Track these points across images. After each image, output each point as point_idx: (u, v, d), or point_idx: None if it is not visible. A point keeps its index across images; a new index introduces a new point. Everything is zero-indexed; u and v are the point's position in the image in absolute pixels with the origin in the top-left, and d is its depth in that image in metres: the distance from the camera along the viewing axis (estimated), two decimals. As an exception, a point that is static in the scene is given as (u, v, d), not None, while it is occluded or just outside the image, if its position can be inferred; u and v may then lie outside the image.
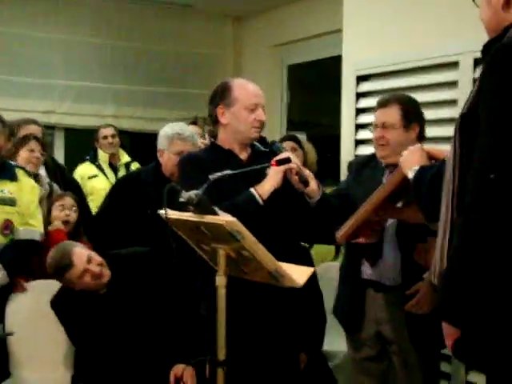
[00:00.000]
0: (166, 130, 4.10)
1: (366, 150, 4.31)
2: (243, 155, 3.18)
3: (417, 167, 2.46)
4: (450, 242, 1.98)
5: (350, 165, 3.61)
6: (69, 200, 4.28)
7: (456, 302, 1.86)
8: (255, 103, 3.08)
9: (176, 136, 4.02)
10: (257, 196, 2.91)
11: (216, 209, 2.39)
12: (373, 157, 3.41)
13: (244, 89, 3.11)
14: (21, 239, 3.87)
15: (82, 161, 5.97)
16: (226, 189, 2.89)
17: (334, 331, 3.80)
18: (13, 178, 3.91)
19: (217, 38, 7.50)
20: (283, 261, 2.43)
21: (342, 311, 3.44)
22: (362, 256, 3.26)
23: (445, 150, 2.63)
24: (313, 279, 3.82)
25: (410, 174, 2.47)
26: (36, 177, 4.40)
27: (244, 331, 2.93)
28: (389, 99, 3.28)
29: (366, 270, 3.27)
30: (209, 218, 2.35)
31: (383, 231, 3.16)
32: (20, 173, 3.99)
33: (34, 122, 4.94)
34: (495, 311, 1.82)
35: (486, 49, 2.03)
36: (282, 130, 7.04)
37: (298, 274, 2.39)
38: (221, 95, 3.13)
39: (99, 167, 5.83)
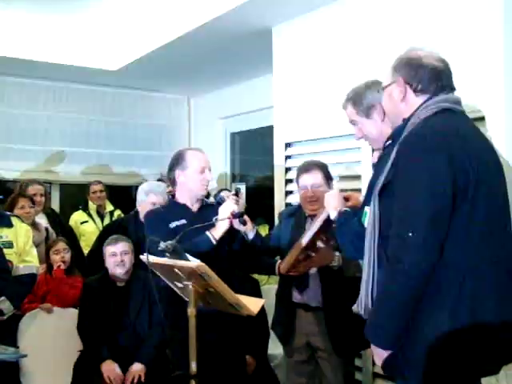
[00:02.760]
0: (144, 187, 4.14)
1: (294, 199, 4.28)
2: (194, 207, 3.13)
3: (337, 210, 2.39)
4: (372, 282, 1.92)
5: (280, 214, 3.55)
6: (62, 244, 4.12)
7: (382, 331, 1.80)
8: (203, 167, 3.06)
9: (151, 191, 4.07)
10: (211, 237, 2.86)
11: (187, 255, 2.28)
12: (297, 209, 3.37)
13: (195, 156, 3.09)
14: (21, 274, 3.66)
15: (76, 209, 5.79)
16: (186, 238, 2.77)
17: (273, 339, 3.69)
18: (9, 224, 3.71)
19: (176, 112, 7.43)
20: (237, 290, 2.39)
21: (279, 327, 3.34)
22: (292, 285, 3.19)
23: (353, 193, 2.67)
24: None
25: (333, 215, 2.39)
26: (34, 225, 4.27)
27: (206, 344, 2.81)
28: (310, 165, 3.25)
29: (296, 296, 3.19)
30: (182, 263, 2.25)
31: (308, 268, 3.10)
32: (15, 220, 3.79)
33: (38, 183, 4.79)
34: (409, 336, 1.80)
35: (395, 135, 2.01)
36: (226, 181, 6.98)
37: (252, 305, 2.30)
38: (176, 162, 3.09)
39: (89, 214, 5.66)
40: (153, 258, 2.35)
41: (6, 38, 5.33)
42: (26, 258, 3.74)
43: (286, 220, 3.36)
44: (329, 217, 2.44)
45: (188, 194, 3.09)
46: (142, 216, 3.94)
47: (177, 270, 2.30)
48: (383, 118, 2.29)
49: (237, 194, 3.38)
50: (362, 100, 2.39)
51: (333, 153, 4.05)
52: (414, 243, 1.72)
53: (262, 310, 3.56)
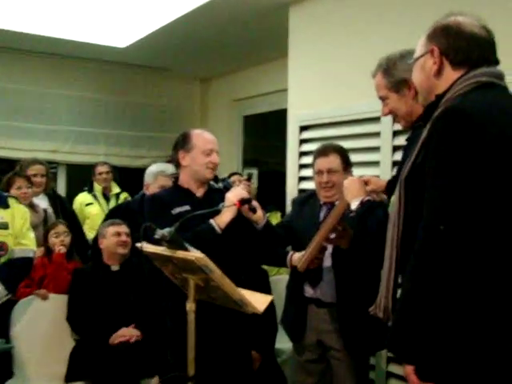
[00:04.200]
0: (152, 168, 3.94)
1: (307, 185, 4.04)
2: (199, 192, 2.88)
3: (358, 199, 2.14)
4: (394, 281, 1.67)
5: (293, 202, 3.27)
6: (61, 227, 3.88)
7: (408, 341, 1.53)
8: (210, 149, 2.81)
9: (160, 173, 3.83)
10: (215, 226, 2.62)
11: (187, 245, 2.04)
12: (311, 195, 3.10)
13: (201, 137, 2.84)
14: (16, 257, 3.50)
15: (81, 191, 5.59)
16: (189, 226, 2.50)
17: (281, 333, 3.45)
18: (6, 205, 3.54)
19: (187, 94, 7.24)
20: (244, 282, 2.23)
21: (289, 323, 3.10)
22: (304, 279, 2.93)
23: (372, 177, 2.47)
24: (268, 292, 3.56)
25: (353, 205, 2.15)
26: (32, 206, 4.06)
27: (209, 339, 2.61)
28: (328, 149, 2.98)
29: (309, 290, 2.94)
30: (180, 254, 2.01)
31: (322, 260, 2.83)
32: (12, 201, 3.61)
33: (39, 163, 4.57)
34: (442, 346, 1.51)
35: (426, 113, 1.71)
36: (238, 166, 6.76)
37: (258, 302, 2.06)
38: (181, 143, 2.86)
39: (95, 196, 5.45)
40: (149, 247, 2.11)
41: (12, 11, 5.13)
42: (22, 241, 3.57)
43: (299, 208, 3.11)
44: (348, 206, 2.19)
45: (192, 177, 2.85)
46: None
47: (175, 261, 2.07)
48: (415, 95, 1.99)
49: (249, 179, 3.16)
50: (392, 71, 2.10)
51: (350, 138, 3.81)
52: (447, 237, 1.46)
53: (271, 302, 3.36)
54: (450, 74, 1.67)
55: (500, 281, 1.48)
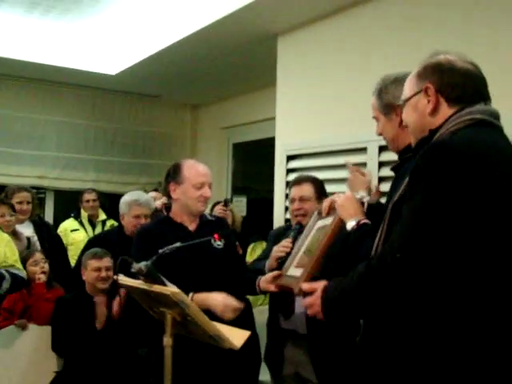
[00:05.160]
0: (126, 198, 3.75)
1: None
2: (192, 226, 2.80)
3: (355, 220, 1.99)
4: None
5: (269, 235, 3.21)
6: (38, 255, 3.79)
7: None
8: (202, 182, 2.72)
9: (133, 202, 3.66)
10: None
11: (164, 279, 2.00)
12: (287, 228, 3.05)
13: (193, 169, 2.75)
14: (13, 272, 3.37)
15: (68, 216, 5.53)
16: (177, 258, 2.45)
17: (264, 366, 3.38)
18: None
19: (178, 121, 7.23)
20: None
21: (267, 355, 3.02)
22: (278, 310, 2.87)
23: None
24: (251, 323, 3.50)
25: (349, 225, 2.00)
26: (15, 234, 3.97)
27: (191, 373, 2.56)
28: (302, 178, 3.03)
29: (282, 322, 2.87)
30: (156, 288, 1.96)
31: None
32: None
33: (25, 190, 4.48)
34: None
35: (417, 148, 1.67)
36: (227, 193, 6.73)
37: (236, 337, 2.00)
38: (173, 174, 2.77)
39: (81, 223, 5.41)
40: (125, 280, 2.07)
41: (3, 39, 5.13)
42: (15, 265, 3.46)
43: (275, 240, 3.01)
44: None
45: (184, 210, 2.77)
46: (127, 230, 3.68)
47: (152, 295, 2.02)
48: (400, 123, 1.93)
49: (226, 204, 3.10)
50: (383, 93, 2.04)
51: (336, 168, 3.78)
52: (399, 265, 1.47)
53: (255, 335, 3.29)
54: (446, 111, 1.62)
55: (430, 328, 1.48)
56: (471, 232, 1.43)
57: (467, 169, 1.43)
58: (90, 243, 3.92)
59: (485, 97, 1.64)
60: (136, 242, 2.78)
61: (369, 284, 1.52)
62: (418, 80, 1.68)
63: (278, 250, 2.76)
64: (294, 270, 2.49)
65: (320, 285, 1.70)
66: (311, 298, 1.70)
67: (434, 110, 1.63)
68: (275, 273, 2.54)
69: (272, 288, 2.56)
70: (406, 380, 1.50)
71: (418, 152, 1.59)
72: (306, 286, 1.80)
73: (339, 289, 1.63)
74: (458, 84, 1.61)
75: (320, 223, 2.33)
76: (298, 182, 3.00)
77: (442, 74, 1.63)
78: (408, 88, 1.73)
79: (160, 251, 2.18)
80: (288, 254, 2.66)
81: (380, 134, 2.11)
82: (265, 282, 2.62)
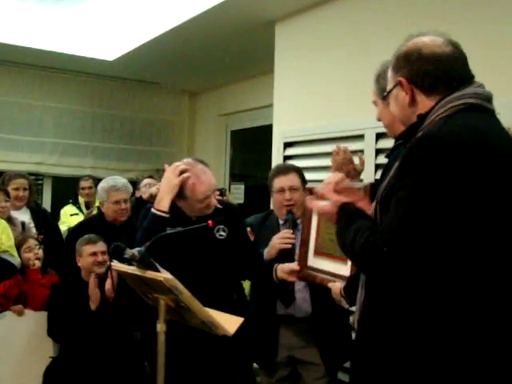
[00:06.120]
0: (102, 185, 3.76)
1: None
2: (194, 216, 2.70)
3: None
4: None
5: (251, 225, 3.04)
6: (32, 241, 3.77)
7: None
8: (206, 196, 2.55)
9: (111, 189, 3.67)
10: (156, 212, 2.50)
11: (157, 265, 1.98)
12: (266, 216, 3.03)
13: (196, 187, 2.54)
14: (4, 259, 3.39)
15: (67, 202, 5.54)
16: (174, 246, 2.42)
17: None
18: None
19: (176, 108, 7.20)
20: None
21: (257, 342, 2.96)
22: (276, 297, 2.85)
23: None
24: (246, 313, 3.48)
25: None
26: (10, 220, 3.97)
27: (187, 359, 2.56)
28: (288, 167, 3.00)
29: (280, 309, 2.86)
30: (150, 274, 1.95)
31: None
32: None
33: (22, 176, 4.46)
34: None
35: (407, 134, 1.63)
36: (225, 180, 6.73)
37: (229, 324, 1.99)
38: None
39: (79, 208, 5.43)
40: (119, 266, 2.06)
41: (0, 23, 5.09)
42: (11, 251, 3.50)
43: (258, 230, 2.98)
44: None
45: (189, 212, 2.63)
46: (108, 217, 3.71)
47: (146, 281, 2.01)
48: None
49: (221, 194, 3.07)
50: (381, 78, 2.00)
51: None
52: (386, 259, 1.47)
53: (249, 321, 3.28)
54: (425, 101, 1.58)
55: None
56: (462, 226, 1.41)
57: (457, 161, 1.40)
58: (74, 231, 3.91)
59: (465, 78, 1.58)
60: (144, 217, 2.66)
61: (361, 260, 1.54)
62: (393, 72, 1.66)
63: (281, 241, 2.77)
64: (315, 261, 2.56)
65: (341, 201, 1.70)
66: (328, 207, 1.72)
67: (413, 101, 1.61)
68: (293, 266, 2.61)
69: (292, 279, 2.63)
70: (400, 373, 1.50)
71: (408, 138, 1.57)
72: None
73: (347, 226, 1.61)
74: (429, 72, 1.57)
75: None
76: (284, 171, 2.94)
77: (411, 64, 1.59)
78: (389, 81, 1.71)
79: (157, 236, 2.15)
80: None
81: (379, 120, 2.10)
82: (281, 271, 2.65)
